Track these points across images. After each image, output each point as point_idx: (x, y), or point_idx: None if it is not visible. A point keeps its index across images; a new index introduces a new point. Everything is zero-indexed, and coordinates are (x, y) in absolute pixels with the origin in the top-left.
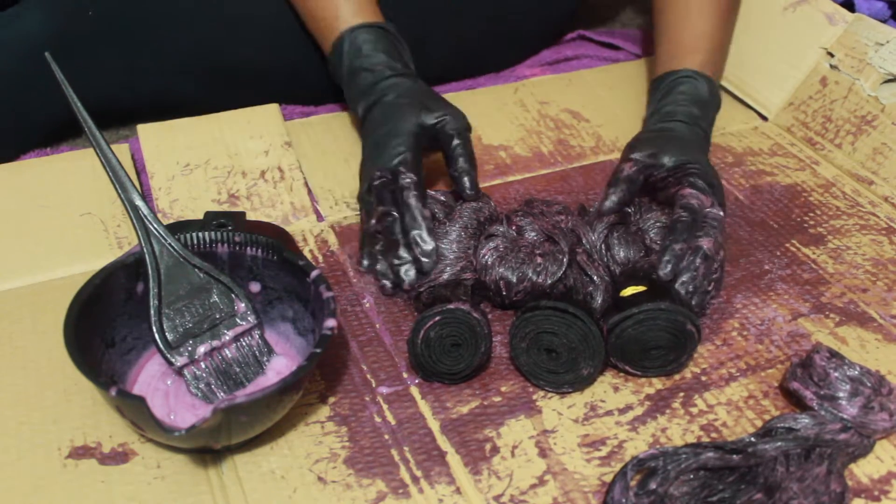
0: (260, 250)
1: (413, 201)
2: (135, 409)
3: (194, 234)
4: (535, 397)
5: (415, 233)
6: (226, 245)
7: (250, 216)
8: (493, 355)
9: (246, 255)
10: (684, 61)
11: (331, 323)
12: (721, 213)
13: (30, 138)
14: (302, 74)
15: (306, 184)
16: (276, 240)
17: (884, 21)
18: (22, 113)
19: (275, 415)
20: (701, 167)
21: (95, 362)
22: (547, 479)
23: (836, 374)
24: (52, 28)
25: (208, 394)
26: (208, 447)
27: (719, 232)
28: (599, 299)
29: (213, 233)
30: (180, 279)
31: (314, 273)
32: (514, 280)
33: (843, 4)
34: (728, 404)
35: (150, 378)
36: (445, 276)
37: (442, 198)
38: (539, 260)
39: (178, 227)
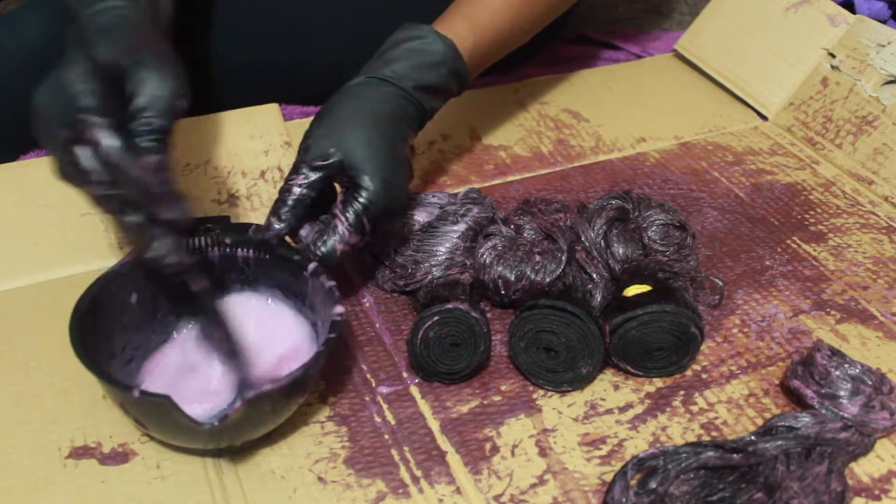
0: (251, 251)
1: None
2: (160, 409)
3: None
4: (534, 396)
5: None
6: (216, 248)
7: (250, 216)
8: (492, 354)
9: (237, 256)
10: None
11: (339, 309)
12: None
13: (30, 139)
14: (302, 74)
15: None
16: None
17: (884, 21)
18: (22, 115)
19: (294, 404)
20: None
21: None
22: (547, 479)
23: (837, 373)
24: (51, 30)
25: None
26: (231, 446)
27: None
28: (599, 297)
29: (203, 238)
30: None
31: (311, 266)
32: (513, 278)
33: (843, 4)
34: (728, 402)
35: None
36: (431, 276)
37: (433, 199)
38: (537, 258)
39: None
